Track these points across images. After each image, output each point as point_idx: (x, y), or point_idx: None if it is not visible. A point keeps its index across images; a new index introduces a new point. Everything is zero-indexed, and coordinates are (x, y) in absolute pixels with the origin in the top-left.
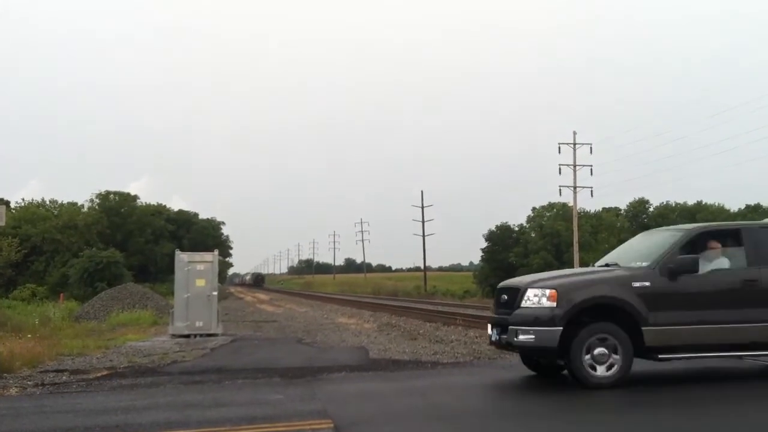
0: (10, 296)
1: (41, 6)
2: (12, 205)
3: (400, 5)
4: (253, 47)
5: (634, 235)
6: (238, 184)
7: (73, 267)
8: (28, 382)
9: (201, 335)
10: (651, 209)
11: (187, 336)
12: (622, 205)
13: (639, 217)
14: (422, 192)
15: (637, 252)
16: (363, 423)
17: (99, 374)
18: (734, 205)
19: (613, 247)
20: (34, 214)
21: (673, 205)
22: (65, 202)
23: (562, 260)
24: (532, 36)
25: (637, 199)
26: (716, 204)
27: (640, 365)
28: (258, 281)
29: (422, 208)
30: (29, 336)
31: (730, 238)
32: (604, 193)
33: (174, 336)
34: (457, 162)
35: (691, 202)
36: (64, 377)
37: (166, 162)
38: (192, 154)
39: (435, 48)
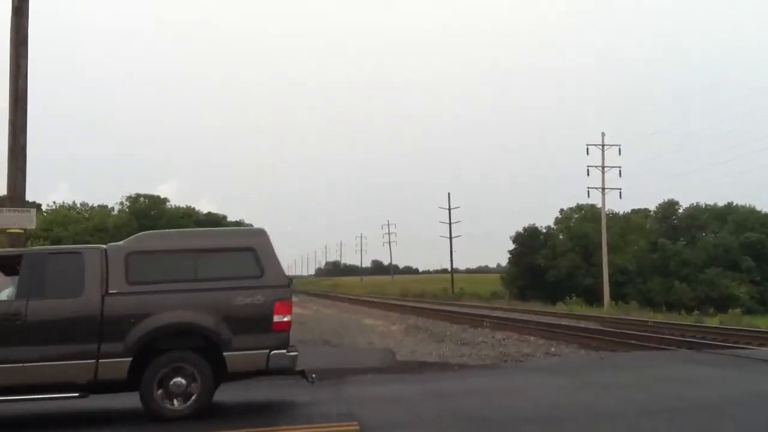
0: None
1: (64, 5)
2: (43, 207)
3: None
4: (280, 44)
5: (663, 236)
6: (265, 186)
7: None
8: None
9: None
10: (680, 211)
11: None
12: (652, 207)
13: (668, 219)
14: (449, 194)
15: None
16: (389, 426)
17: None
18: (767, 206)
19: (641, 249)
20: (65, 216)
21: (703, 206)
22: (95, 204)
23: (591, 262)
24: (559, 34)
25: (666, 200)
26: (747, 205)
27: None
28: None
29: (449, 210)
30: None
31: (16, 265)
32: (634, 194)
33: None
34: (485, 164)
35: (721, 203)
36: None
37: (195, 165)
38: (220, 156)
39: (461, 47)
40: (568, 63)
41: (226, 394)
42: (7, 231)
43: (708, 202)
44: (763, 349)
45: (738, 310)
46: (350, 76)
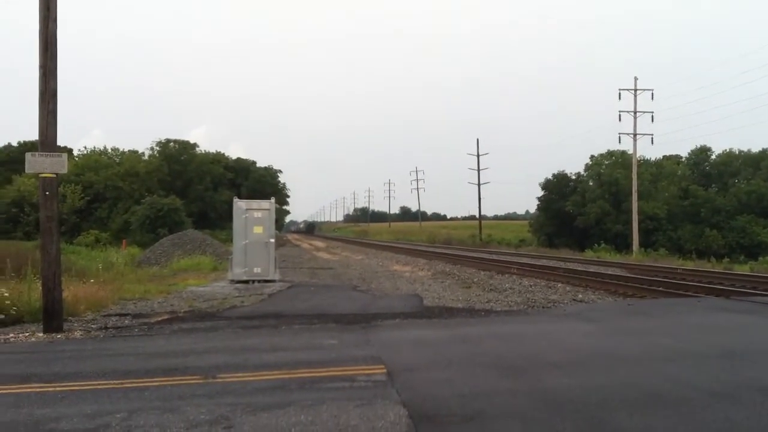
0: (75, 242)
1: None
2: (75, 153)
3: None
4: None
5: (695, 183)
6: (295, 134)
7: (135, 213)
8: (92, 326)
9: (259, 281)
10: (713, 157)
11: (246, 282)
12: (684, 153)
13: (700, 165)
14: (478, 140)
15: None
16: (415, 369)
17: (160, 318)
18: None
19: (672, 196)
20: (96, 161)
21: (737, 152)
22: (126, 150)
23: (620, 209)
24: None
25: (698, 146)
26: None
27: None
28: (310, 228)
29: (478, 156)
30: (93, 281)
31: None
32: (666, 140)
33: (233, 282)
34: (515, 110)
35: (755, 149)
36: (126, 321)
37: (226, 111)
38: (250, 103)
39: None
40: (602, 10)
41: (259, 338)
42: (40, 175)
43: (742, 148)
44: None
45: None
46: (381, 24)
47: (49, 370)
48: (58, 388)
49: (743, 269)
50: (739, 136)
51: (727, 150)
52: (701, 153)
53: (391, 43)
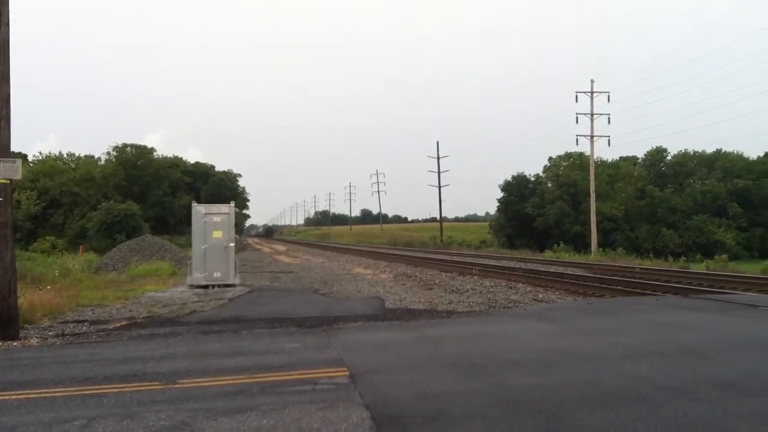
0: (30, 248)
1: None
2: (29, 158)
3: None
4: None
5: (651, 183)
6: (254, 136)
7: (92, 219)
8: (49, 333)
9: (219, 286)
10: (669, 158)
11: (206, 286)
12: (640, 154)
13: (656, 166)
14: (438, 143)
15: None
16: (378, 371)
17: (118, 325)
18: (754, 152)
19: (629, 197)
20: (51, 167)
21: (692, 153)
22: (82, 155)
23: (579, 210)
24: None
25: (654, 147)
26: (735, 152)
27: None
28: (269, 232)
29: (438, 158)
30: (49, 287)
31: None
32: (623, 141)
33: (192, 287)
34: (474, 113)
35: (710, 150)
36: (84, 328)
37: (182, 115)
38: (207, 107)
39: (453, 4)
40: (562, 17)
41: (219, 343)
42: None
43: (696, 149)
44: (748, 293)
45: (724, 256)
46: (341, 24)
47: (5, 378)
48: (14, 396)
49: (699, 268)
50: (694, 137)
51: (682, 151)
52: (657, 154)
53: (348, 47)
